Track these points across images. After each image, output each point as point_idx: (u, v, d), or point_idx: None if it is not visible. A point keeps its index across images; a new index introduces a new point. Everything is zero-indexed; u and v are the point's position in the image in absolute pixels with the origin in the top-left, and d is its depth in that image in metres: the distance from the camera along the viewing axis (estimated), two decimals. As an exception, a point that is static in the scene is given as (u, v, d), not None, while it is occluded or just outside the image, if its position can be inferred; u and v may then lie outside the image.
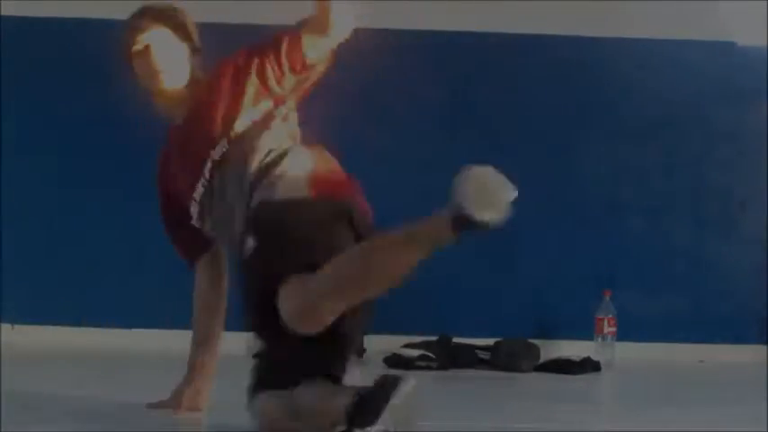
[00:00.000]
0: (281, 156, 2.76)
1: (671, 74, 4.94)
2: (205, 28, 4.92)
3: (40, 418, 2.81)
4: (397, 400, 2.38)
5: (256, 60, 2.88)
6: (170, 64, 2.96)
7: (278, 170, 2.72)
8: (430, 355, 4.26)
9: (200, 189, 2.85)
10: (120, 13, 4.78)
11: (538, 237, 4.88)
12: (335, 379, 2.61)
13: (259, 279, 2.61)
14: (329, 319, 2.48)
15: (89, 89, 4.85)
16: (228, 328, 4.74)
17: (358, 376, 2.65)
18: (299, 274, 2.49)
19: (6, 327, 4.71)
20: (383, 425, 2.36)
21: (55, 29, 4.85)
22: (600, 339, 4.60)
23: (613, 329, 4.60)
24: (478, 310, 4.78)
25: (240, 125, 2.82)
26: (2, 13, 4.78)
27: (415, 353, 4.27)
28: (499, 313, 4.77)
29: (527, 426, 2.92)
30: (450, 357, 4.30)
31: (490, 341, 4.42)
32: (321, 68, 2.88)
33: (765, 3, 4.83)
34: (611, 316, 4.60)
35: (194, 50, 3.03)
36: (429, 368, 4.19)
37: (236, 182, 2.77)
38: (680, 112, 4.95)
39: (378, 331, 4.55)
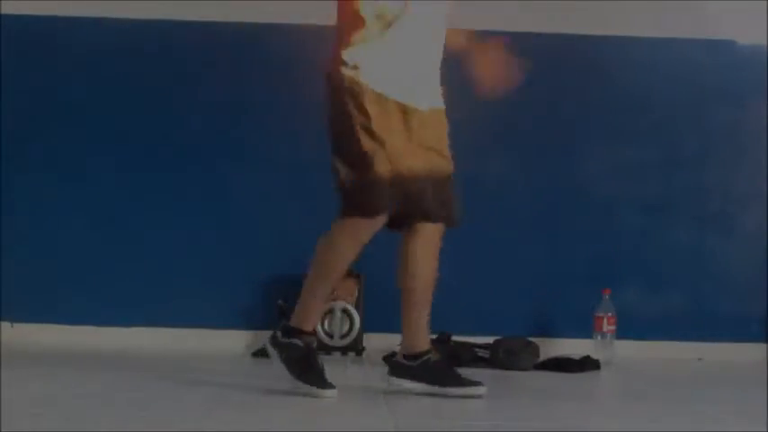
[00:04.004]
0: None
1: (670, 72, 4.94)
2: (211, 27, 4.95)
3: (40, 417, 2.81)
4: None
5: None
6: None
7: None
8: (429, 353, 4.25)
9: None
10: (121, 12, 4.83)
11: (537, 235, 4.89)
12: None
13: None
14: None
15: (89, 88, 4.86)
16: (228, 327, 4.79)
17: None
18: None
19: (6, 325, 4.71)
20: None
21: (56, 27, 4.85)
22: (599, 337, 4.60)
23: (613, 328, 4.60)
24: (478, 309, 4.78)
25: None
26: (2, 12, 4.79)
27: (415, 351, 4.27)
28: (498, 311, 4.77)
29: (526, 424, 2.92)
30: (449, 355, 4.29)
31: (489, 339, 4.42)
32: None
33: (765, 1, 4.84)
34: (610, 314, 4.61)
35: None
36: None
37: None
38: (679, 111, 4.96)
39: (377, 330, 4.59)
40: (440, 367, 3.40)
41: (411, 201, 3.28)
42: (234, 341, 4.68)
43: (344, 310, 4.60)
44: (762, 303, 4.82)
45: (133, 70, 4.86)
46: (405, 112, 3.30)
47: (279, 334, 3.36)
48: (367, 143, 3.21)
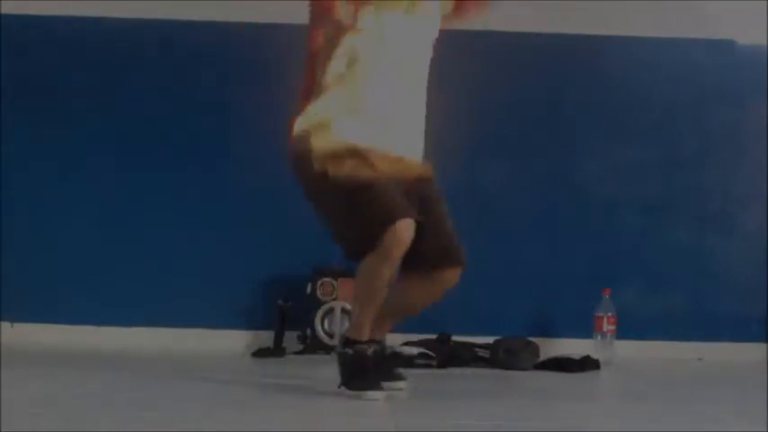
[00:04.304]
0: None
1: (670, 72, 4.94)
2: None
3: (40, 417, 2.81)
4: None
5: None
6: None
7: None
8: (429, 353, 4.26)
9: None
10: (121, 12, 4.83)
11: (537, 235, 4.89)
12: None
13: None
14: None
15: (89, 88, 4.86)
16: (228, 327, 4.79)
17: None
18: None
19: (6, 325, 4.72)
20: None
21: (56, 27, 4.85)
22: (599, 337, 4.60)
23: (613, 327, 4.60)
24: (478, 309, 4.79)
25: None
26: (2, 12, 4.79)
27: (415, 351, 4.27)
28: (498, 311, 4.77)
29: (526, 424, 2.92)
30: (449, 355, 4.30)
31: (489, 339, 4.42)
32: None
33: (765, 1, 4.84)
34: (610, 314, 4.61)
35: None
36: (428, 366, 4.20)
37: None
38: (679, 111, 4.96)
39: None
40: (356, 366, 3.28)
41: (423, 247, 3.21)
42: (234, 341, 4.68)
43: (345, 310, 4.60)
44: (762, 303, 4.82)
45: (133, 70, 4.86)
46: (368, 159, 3.20)
47: (339, 344, 3.34)
48: (346, 185, 3.16)
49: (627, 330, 4.65)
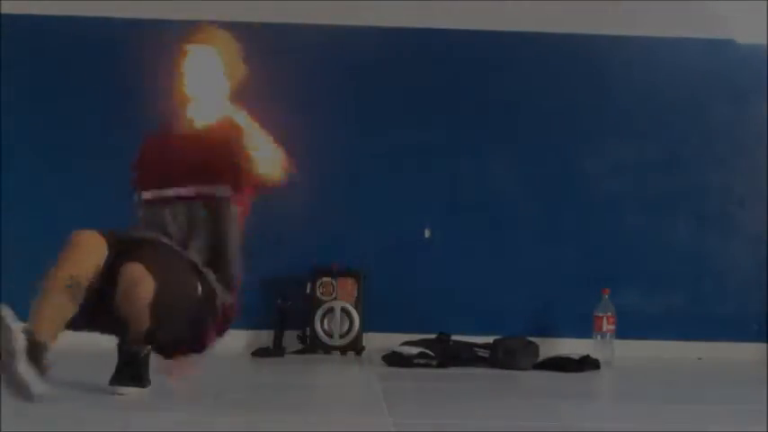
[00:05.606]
0: None
1: (670, 71, 4.95)
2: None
3: (40, 417, 2.81)
4: None
5: None
6: None
7: None
8: (429, 352, 4.26)
9: None
10: (121, 11, 4.83)
11: (538, 235, 4.89)
12: None
13: None
14: None
15: (89, 87, 4.85)
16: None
17: None
18: None
19: (6, 325, 4.71)
20: None
21: (56, 27, 4.85)
22: (599, 337, 4.60)
23: (612, 327, 4.60)
24: (477, 308, 4.79)
25: None
26: (2, 12, 4.79)
27: (415, 350, 4.27)
28: (498, 311, 4.77)
29: (526, 423, 2.92)
30: (449, 355, 4.30)
31: (489, 339, 4.42)
32: None
33: (765, 1, 4.84)
34: (609, 314, 4.61)
35: None
36: (428, 366, 4.20)
37: None
38: (679, 110, 4.96)
39: (377, 329, 4.58)
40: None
41: None
42: (233, 341, 4.65)
43: (344, 310, 4.60)
44: (762, 303, 4.82)
45: (133, 69, 4.86)
46: None
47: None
48: None
49: (626, 330, 4.65)
